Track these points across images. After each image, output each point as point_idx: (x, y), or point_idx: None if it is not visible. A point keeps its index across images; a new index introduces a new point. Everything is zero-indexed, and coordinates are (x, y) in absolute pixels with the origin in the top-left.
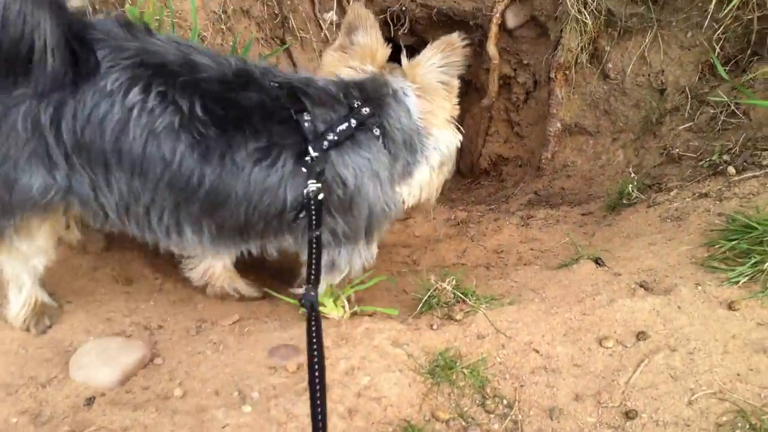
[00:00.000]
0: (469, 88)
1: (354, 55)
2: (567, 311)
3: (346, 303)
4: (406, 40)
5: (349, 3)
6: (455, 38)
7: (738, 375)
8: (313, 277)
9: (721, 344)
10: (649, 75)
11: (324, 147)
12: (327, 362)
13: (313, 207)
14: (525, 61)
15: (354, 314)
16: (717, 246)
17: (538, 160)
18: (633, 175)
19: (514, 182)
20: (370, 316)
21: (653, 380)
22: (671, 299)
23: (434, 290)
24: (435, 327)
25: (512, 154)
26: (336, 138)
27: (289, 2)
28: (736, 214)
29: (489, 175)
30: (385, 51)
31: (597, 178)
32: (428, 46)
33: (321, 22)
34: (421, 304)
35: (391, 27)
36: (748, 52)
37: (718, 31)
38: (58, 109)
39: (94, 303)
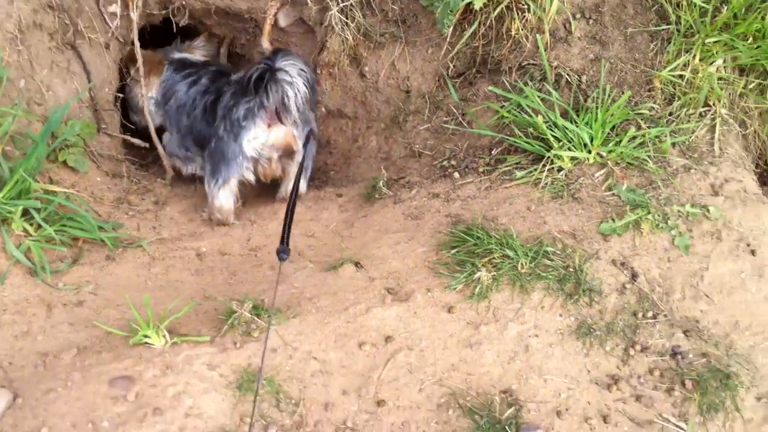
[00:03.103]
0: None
1: None
2: (336, 320)
3: (166, 333)
4: (185, 22)
5: None
6: None
7: (452, 365)
8: None
9: (442, 342)
10: (397, 79)
11: None
12: (157, 389)
13: None
14: (295, 50)
15: (174, 343)
16: (443, 252)
17: None
18: (384, 172)
19: None
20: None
21: (396, 374)
22: (410, 306)
23: (234, 315)
24: (238, 345)
25: None
26: None
27: (76, 5)
28: (456, 227)
29: None
30: None
31: (354, 159)
32: None
33: (106, 16)
34: (225, 327)
35: (172, 18)
36: (474, 70)
37: (452, 52)
38: None
39: None
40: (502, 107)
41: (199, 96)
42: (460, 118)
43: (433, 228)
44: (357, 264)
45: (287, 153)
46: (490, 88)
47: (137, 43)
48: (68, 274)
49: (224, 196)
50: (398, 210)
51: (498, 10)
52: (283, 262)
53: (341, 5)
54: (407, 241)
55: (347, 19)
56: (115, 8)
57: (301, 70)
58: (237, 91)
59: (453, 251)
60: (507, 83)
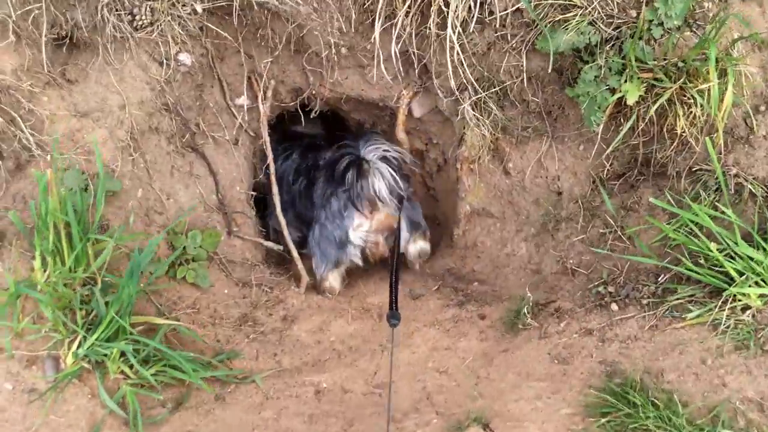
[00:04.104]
0: None
1: None
2: None
3: None
4: (318, 109)
5: (258, 84)
6: None
7: None
8: None
9: None
10: (546, 178)
11: None
12: None
13: None
14: (434, 141)
15: None
16: (591, 419)
17: (451, 231)
18: (529, 294)
19: (434, 242)
20: None
21: None
22: None
23: None
24: None
25: (430, 213)
26: None
27: (198, 103)
28: (610, 382)
29: None
30: None
31: (503, 268)
32: None
33: (234, 110)
34: None
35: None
36: (635, 171)
37: (608, 150)
38: None
39: None
40: (668, 224)
41: (293, 173)
42: (620, 232)
43: (583, 379)
44: (486, 427)
45: (392, 233)
46: (652, 200)
47: (267, 139)
48: (168, 422)
49: (333, 278)
50: (544, 348)
51: (658, 104)
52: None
53: (473, 98)
54: (550, 395)
55: (482, 114)
56: (244, 100)
57: (386, 150)
58: (329, 179)
59: (603, 420)
60: (675, 192)
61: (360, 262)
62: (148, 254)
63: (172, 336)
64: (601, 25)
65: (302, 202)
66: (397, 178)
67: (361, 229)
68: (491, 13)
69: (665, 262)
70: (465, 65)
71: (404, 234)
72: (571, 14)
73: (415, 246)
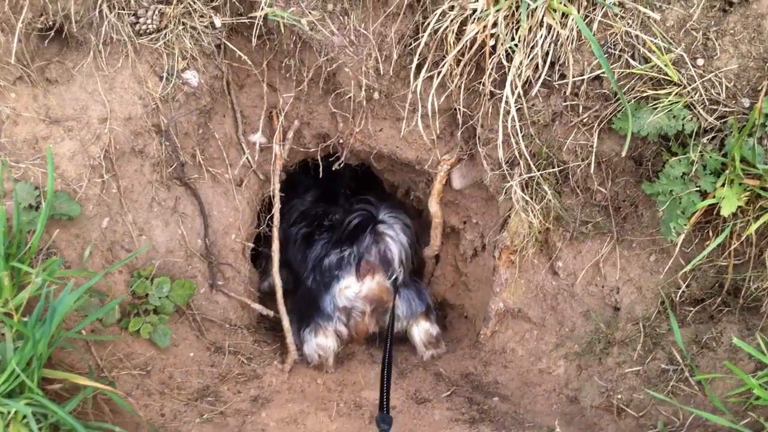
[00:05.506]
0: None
1: None
2: None
3: None
4: (343, 161)
5: (278, 120)
6: None
7: None
8: None
9: None
10: (602, 287)
11: None
12: None
13: None
14: (474, 220)
15: None
16: None
17: (478, 330)
18: (558, 429)
19: (456, 337)
20: None
21: None
22: None
23: None
24: None
25: (458, 302)
26: None
27: (200, 131)
28: None
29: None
30: None
31: (532, 387)
32: None
33: (244, 146)
34: None
35: (319, 160)
36: (718, 300)
37: (687, 267)
38: None
39: None
40: (753, 375)
41: (297, 213)
42: (687, 372)
43: None
44: None
45: (381, 308)
46: (735, 340)
47: (277, 186)
48: None
49: (321, 337)
50: None
51: (761, 221)
52: None
53: (524, 176)
54: None
55: (533, 196)
56: (259, 137)
57: (406, 225)
58: (330, 239)
59: None
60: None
61: (343, 330)
62: (67, 300)
63: (105, 401)
64: (700, 111)
65: (294, 250)
66: (411, 251)
67: (349, 291)
68: (563, 76)
69: (742, 424)
70: (520, 135)
71: (400, 316)
72: (664, 91)
73: (419, 328)
